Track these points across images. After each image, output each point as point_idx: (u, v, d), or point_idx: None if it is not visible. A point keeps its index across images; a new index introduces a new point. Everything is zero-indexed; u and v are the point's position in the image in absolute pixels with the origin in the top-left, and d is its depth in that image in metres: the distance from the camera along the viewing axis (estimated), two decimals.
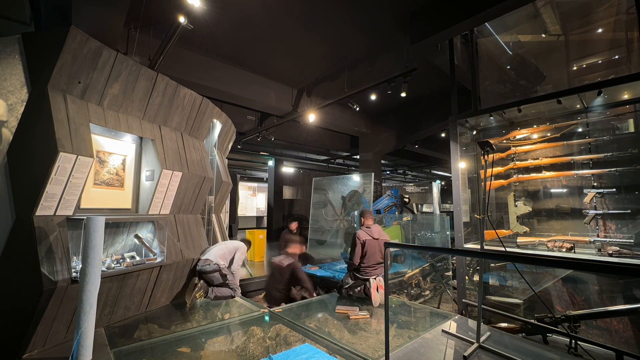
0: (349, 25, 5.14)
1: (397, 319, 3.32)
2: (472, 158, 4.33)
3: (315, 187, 7.74)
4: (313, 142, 9.99)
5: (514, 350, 2.53)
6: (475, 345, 2.54)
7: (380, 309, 3.60)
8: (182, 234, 3.74)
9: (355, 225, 6.75)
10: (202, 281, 3.59)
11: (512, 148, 3.92)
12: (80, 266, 2.33)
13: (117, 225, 3.34)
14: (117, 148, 3.39)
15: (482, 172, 4.14)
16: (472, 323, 3.21)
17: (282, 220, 13.12)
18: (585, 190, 3.40)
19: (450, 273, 5.91)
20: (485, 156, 2.83)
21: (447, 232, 6.64)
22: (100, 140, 3.22)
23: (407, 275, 5.47)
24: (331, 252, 7.29)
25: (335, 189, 7.42)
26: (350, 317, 3.33)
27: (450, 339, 2.74)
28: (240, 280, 5.27)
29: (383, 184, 13.61)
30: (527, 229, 3.73)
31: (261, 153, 11.86)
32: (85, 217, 2.36)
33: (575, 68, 4.61)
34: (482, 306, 3.55)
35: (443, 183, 18.93)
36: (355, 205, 6.77)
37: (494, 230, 3.40)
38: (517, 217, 3.81)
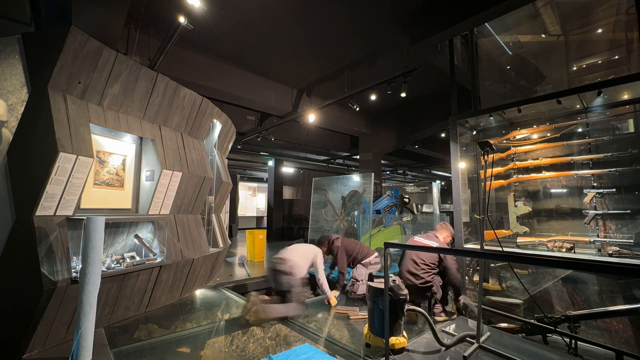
0: (349, 26, 5.14)
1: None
2: (472, 158, 4.33)
3: (315, 187, 7.74)
4: (313, 142, 9.99)
5: (514, 350, 2.52)
6: (475, 345, 2.53)
7: None
8: (182, 234, 3.74)
9: (355, 225, 6.74)
10: (261, 297, 3.30)
11: (512, 148, 3.92)
12: (80, 266, 2.33)
13: (117, 225, 3.34)
14: (117, 148, 3.39)
15: (482, 172, 4.15)
16: (472, 323, 3.21)
17: (282, 220, 13.12)
18: (585, 191, 3.40)
19: None
20: (485, 156, 2.83)
21: None
22: (100, 140, 3.22)
23: None
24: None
25: (335, 189, 7.41)
26: (350, 317, 3.33)
27: (450, 339, 2.73)
28: (240, 280, 5.27)
29: (383, 184, 13.61)
30: (527, 229, 3.73)
31: (261, 153, 11.85)
32: (85, 217, 2.36)
33: (575, 68, 4.61)
34: (482, 306, 3.55)
35: (443, 183, 18.92)
36: (355, 206, 6.77)
37: (493, 231, 3.40)
38: (517, 217, 3.81)
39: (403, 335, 2.54)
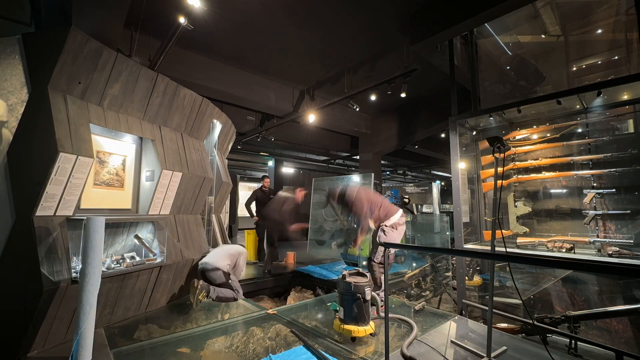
0: (349, 26, 5.14)
1: (397, 319, 3.32)
2: (472, 158, 4.34)
3: (315, 187, 7.73)
4: (313, 142, 10.00)
5: None
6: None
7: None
8: (182, 235, 3.74)
9: (355, 225, 6.67)
10: (201, 281, 3.44)
11: (512, 148, 3.93)
12: (80, 266, 2.33)
13: (117, 225, 3.34)
14: (117, 148, 3.39)
15: (482, 172, 4.15)
16: (472, 324, 3.21)
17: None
18: (585, 191, 3.40)
19: (450, 274, 5.91)
20: (496, 154, 2.68)
21: (447, 233, 6.63)
22: (100, 141, 3.22)
23: (407, 276, 5.47)
24: (331, 252, 7.27)
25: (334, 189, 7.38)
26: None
27: (452, 340, 2.73)
28: (240, 281, 5.27)
29: (383, 185, 13.61)
30: (527, 230, 3.73)
31: (261, 153, 11.85)
32: (85, 218, 2.36)
33: (574, 69, 4.62)
34: (481, 306, 3.54)
35: (443, 183, 18.91)
36: None
37: (497, 231, 3.39)
38: (517, 217, 3.81)
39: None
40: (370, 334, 2.74)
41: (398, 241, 3.71)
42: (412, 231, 6.94)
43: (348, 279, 2.79)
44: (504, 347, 2.55)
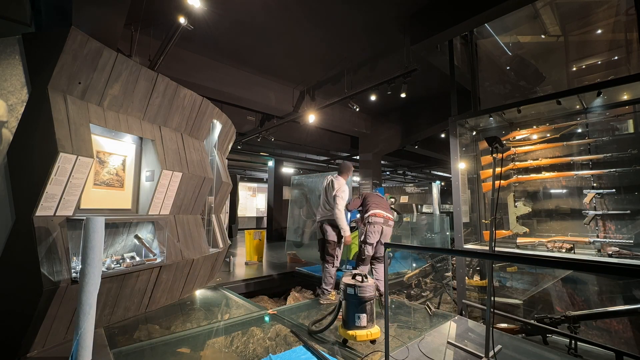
0: (350, 26, 5.14)
1: (397, 319, 3.32)
2: (472, 159, 4.34)
3: (294, 186, 7.51)
4: (313, 142, 9.99)
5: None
6: None
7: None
8: (182, 235, 3.74)
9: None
10: None
11: (512, 149, 3.93)
12: (80, 266, 2.33)
13: (117, 225, 3.34)
14: (117, 148, 3.39)
15: (482, 172, 4.15)
16: (472, 324, 3.21)
17: (282, 220, 13.12)
18: (584, 191, 3.40)
19: (450, 274, 5.91)
20: (494, 154, 2.64)
21: (447, 233, 6.63)
22: (100, 141, 3.22)
23: (407, 276, 5.47)
24: (308, 254, 7.06)
25: (314, 187, 7.17)
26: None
27: (452, 339, 2.73)
28: (240, 281, 5.27)
29: (383, 185, 13.61)
30: (527, 230, 3.73)
31: (261, 153, 11.85)
32: (85, 218, 2.36)
33: (574, 69, 4.62)
34: (480, 306, 3.55)
35: (443, 184, 18.91)
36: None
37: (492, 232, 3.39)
38: (516, 217, 3.81)
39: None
40: (371, 342, 2.64)
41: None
42: (403, 230, 6.87)
43: (351, 282, 2.69)
44: (499, 346, 2.54)
